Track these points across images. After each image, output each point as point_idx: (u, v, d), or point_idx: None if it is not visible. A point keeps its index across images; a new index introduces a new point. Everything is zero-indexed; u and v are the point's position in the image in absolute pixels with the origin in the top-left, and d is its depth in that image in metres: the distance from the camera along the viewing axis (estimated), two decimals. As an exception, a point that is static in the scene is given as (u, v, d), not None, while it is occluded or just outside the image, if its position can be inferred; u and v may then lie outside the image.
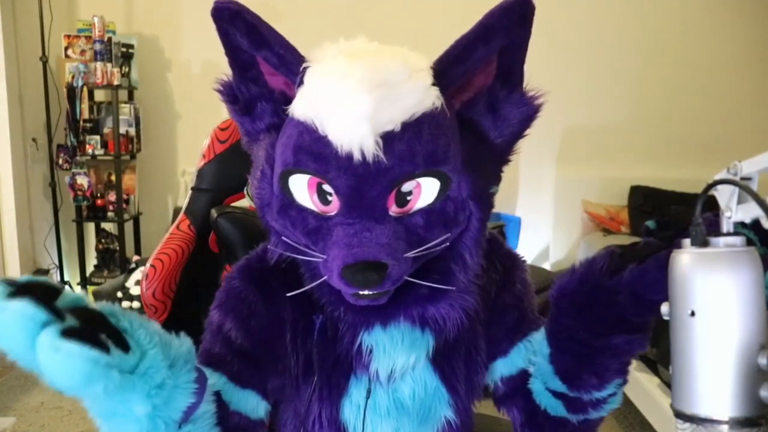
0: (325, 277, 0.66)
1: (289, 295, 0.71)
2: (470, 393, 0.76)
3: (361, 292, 0.63)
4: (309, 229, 0.65)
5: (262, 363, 0.72)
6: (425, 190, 0.63)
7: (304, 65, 0.64)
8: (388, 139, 0.60)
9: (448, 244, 0.67)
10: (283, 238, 0.69)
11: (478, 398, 0.79)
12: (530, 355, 0.77)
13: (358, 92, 0.59)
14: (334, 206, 0.64)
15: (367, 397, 0.71)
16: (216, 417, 0.65)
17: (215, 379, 0.69)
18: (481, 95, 0.67)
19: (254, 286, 0.73)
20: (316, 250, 0.65)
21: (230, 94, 0.69)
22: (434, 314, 0.68)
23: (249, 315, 0.72)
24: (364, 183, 0.61)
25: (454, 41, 0.64)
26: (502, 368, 0.79)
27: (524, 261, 0.82)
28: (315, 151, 0.62)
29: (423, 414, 0.72)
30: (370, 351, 0.68)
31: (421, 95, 0.61)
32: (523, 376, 0.77)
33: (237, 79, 0.69)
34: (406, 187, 0.63)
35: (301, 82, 0.64)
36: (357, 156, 0.59)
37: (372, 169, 0.60)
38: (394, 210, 0.63)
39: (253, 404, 0.71)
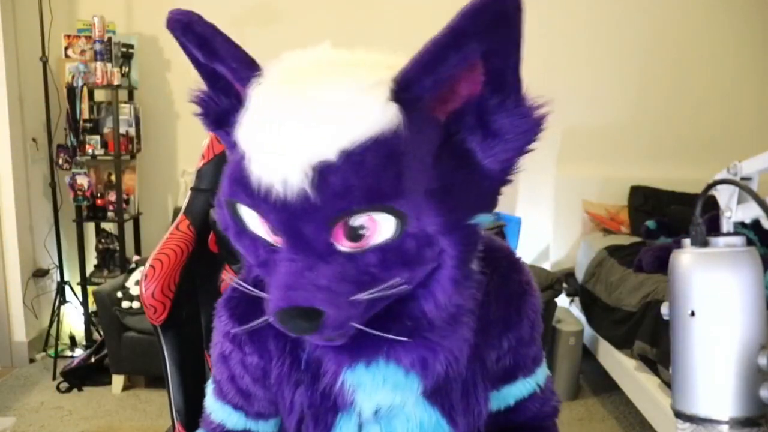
0: None
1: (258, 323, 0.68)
2: (471, 426, 0.75)
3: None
4: (260, 261, 0.61)
5: (266, 396, 0.77)
6: (381, 225, 0.55)
7: (251, 83, 0.58)
8: (322, 171, 0.52)
9: (408, 286, 0.58)
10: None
11: (481, 428, 0.77)
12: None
13: (286, 121, 0.53)
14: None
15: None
16: None
17: (236, 419, 0.79)
18: (470, 106, 0.58)
19: (237, 321, 0.73)
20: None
21: (204, 106, 0.65)
22: (413, 358, 0.64)
23: (242, 355, 0.75)
24: (298, 220, 0.54)
25: (422, 47, 0.54)
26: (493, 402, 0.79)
27: (536, 290, 0.77)
28: (247, 186, 0.56)
29: None
30: (353, 390, 0.66)
31: (367, 117, 0.53)
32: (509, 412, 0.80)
33: (209, 91, 0.65)
34: (355, 221, 0.54)
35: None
36: (280, 192, 0.53)
37: (304, 206, 0.53)
38: (346, 245, 0.55)
39: (273, 425, 0.81)
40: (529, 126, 0.58)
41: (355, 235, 0.55)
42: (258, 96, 0.57)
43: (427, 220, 0.55)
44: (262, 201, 0.55)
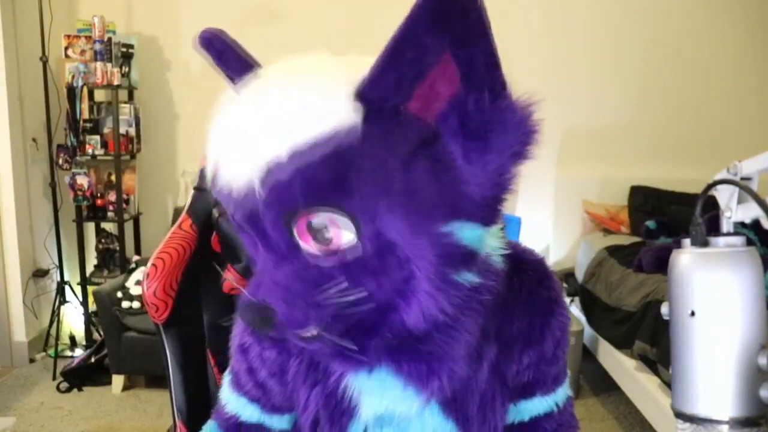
0: None
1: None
2: None
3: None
4: (253, 256, 0.62)
5: (281, 392, 0.77)
6: (343, 228, 0.54)
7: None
8: (271, 168, 0.53)
9: (371, 299, 0.57)
10: None
11: None
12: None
13: (243, 123, 0.55)
14: None
15: None
16: None
17: (251, 411, 0.79)
18: (453, 107, 0.55)
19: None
20: None
21: None
22: (411, 370, 0.63)
23: (261, 349, 0.75)
24: (255, 217, 0.56)
25: (390, 39, 0.52)
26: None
27: (565, 308, 0.75)
28: (217, 185, 0.59)
29: None
30: (358, 394, 0.67)
31: (321, 117, 0.53)
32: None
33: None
34: (316, 223, 0.54)
35: None
36: (236, 190, 0.55)
37: (258, 204, 0.54)
38: (314, 247, 0.55)
39: (287, 421, 0.80)
40: (511, 124, 0.54)
41: (321, 237, 0.55)
42: (223, 103, 0.59)
43: (386, 224, 0.54)
44: (231, 201, 0.57)
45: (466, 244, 0.57)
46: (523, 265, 0.73)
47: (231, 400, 0.80)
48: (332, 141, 0.52)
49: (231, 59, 0.67)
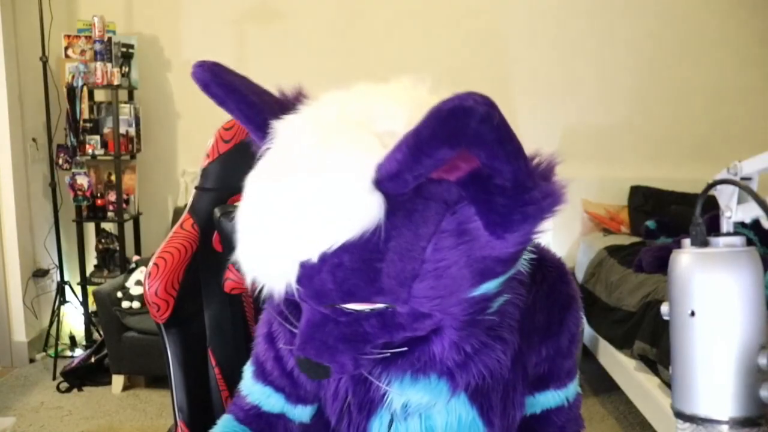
0: None
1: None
2: (506, 428, 0.77)
3: None
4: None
5: (308, 380, 0.78)
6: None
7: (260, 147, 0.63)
8: (306, 270, 0.55)
9: (404, 348, 0.64)
10: None
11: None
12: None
13: (271, 229, 0.56)
14: None
15: (390, 425, 0.73)
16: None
17: (275, 401, 0.80)
18: (475, 177, 0.54)
19: (293, 305, 0.73)
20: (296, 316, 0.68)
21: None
22: (444, 368, 0.67)
23: (291, 336, 0.74)
24: (298, 299, 0.61)
25: (404, 139, 0.50)
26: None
27: (580, 306, 0.79)
28: (259, 288, 0.62)
29: None
30: (389, 383, 0.70)
31: (346, 218, 0.53)
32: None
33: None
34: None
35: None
36: (275, 288, 0.58)
37: (296, 295, 0.58)
38: (353, 305, 0.59)
39: (308, 413, 0.82)
40: (536, 212, 0.56)
41: (359, 301, 0.58)
42: (248, 200, 0.59)
43: (418, 304, 0.58)
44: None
45: (492, 294, 0.62)
46: (545, 261, 0.76)
47: (254, 391, 0.81)
48: (359, 244, 0.54)
49: (233, 105, 0.65)
